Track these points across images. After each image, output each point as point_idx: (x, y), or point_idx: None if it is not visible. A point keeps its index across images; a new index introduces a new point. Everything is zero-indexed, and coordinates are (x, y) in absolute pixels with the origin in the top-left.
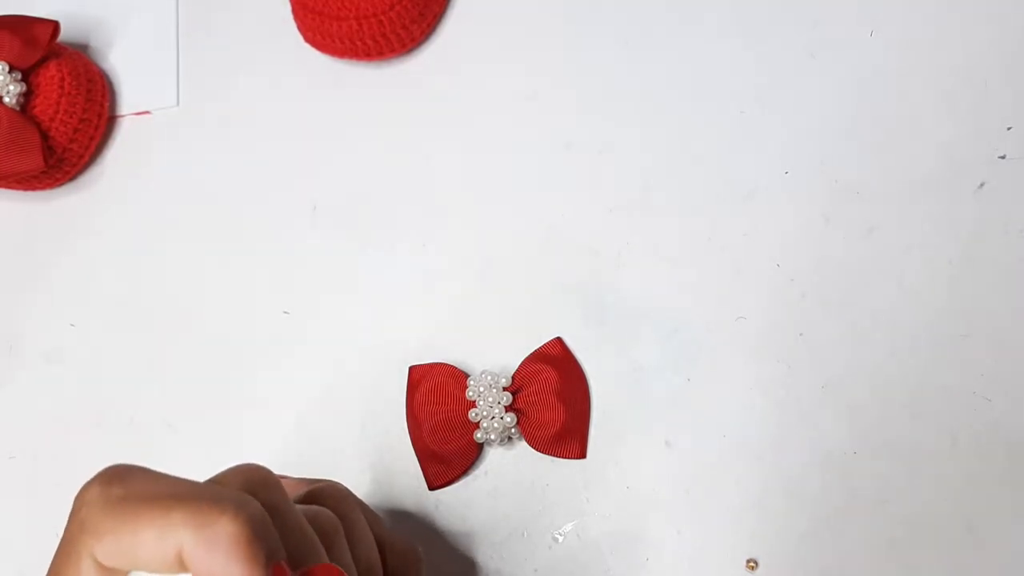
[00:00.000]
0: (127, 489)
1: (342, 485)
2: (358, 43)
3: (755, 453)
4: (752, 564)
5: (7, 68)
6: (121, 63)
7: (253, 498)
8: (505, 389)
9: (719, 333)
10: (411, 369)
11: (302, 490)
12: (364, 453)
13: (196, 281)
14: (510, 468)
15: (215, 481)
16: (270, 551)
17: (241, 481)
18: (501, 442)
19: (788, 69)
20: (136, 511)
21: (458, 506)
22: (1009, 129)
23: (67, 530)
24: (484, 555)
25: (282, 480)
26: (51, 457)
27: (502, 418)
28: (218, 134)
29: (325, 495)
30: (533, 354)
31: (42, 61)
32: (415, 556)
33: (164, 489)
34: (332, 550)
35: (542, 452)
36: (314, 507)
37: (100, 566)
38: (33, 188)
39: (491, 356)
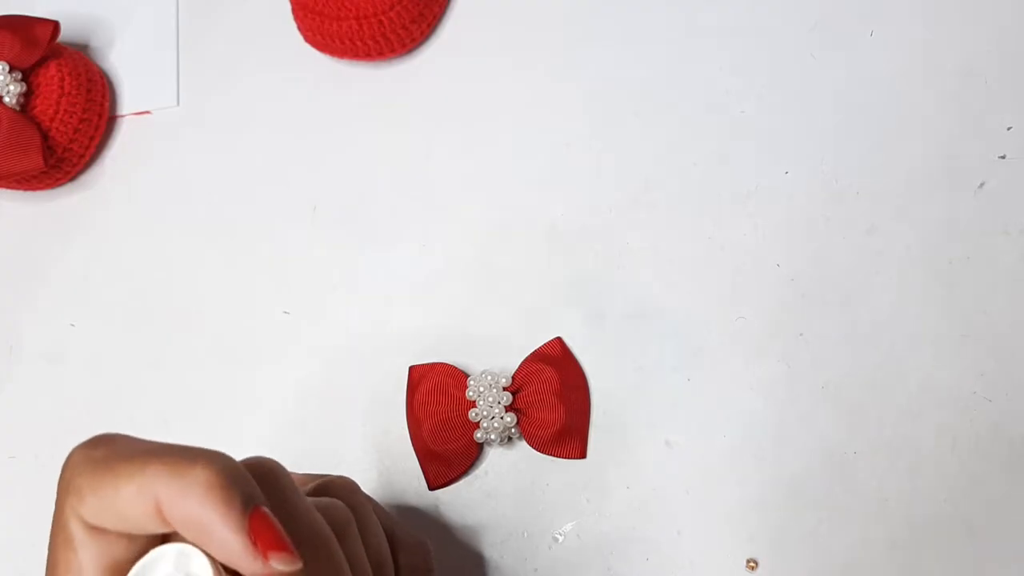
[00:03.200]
0: (109, 450)
1: (351, 479)
2: (358, 43)
3: (755, 453)
4: (752, 564)
5: (7, 68)
6: (121, 63)
7: (228, 455)
8: (505, 389)
9: (719, 333)
10: (411, 369)
11: (310, 484)
12: (364, 453)
13: (196, 281)
14: (510, 468)
15: None
16: (246, 496)
17: (251, 472)
18: (501, 442)
19: (788, 69)
20: (115, 468)
21: (458, 506)
22: (1009, 129)
23: (56, 496)
24: (484, 555)
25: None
26: (51, 457)
27: (502, 418)
28: (218, 134)
29: (336, 487)
30: (533, 354)
31: (42, 61)
32: (424, 549)
33: (143, 448)
34: (344, 541)
35: (542, 452)
36: (325, 499)
37: (87, 526)
38: (33, 188)
39: (491, 356)
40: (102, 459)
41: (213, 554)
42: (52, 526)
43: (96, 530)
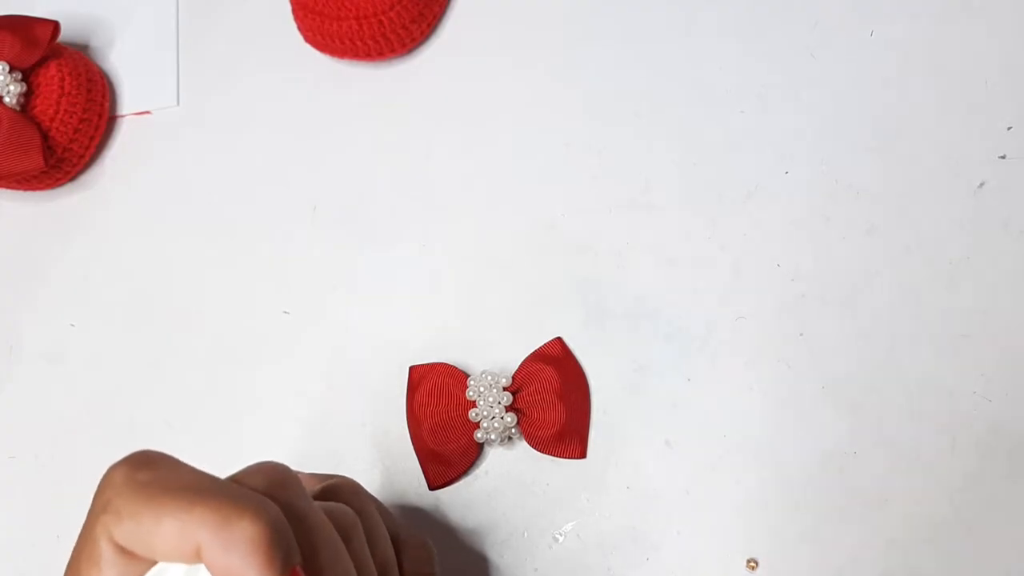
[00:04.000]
0: (153, 476)
1: (355, 481)
2: (358, 43)
3: (755, 453)
4: (752, 564)
5: (7, 68)
6: (121, 63)
7: (272, 502)
8: (505, 389)
9: (719, 333)
10: (411, 369)
11: (315, 485)
12: (364, 453)
13: (196, 281)
14: (510, 468)
15: (235, 479)
16: (287, 555)
17: (262, 479)
18: (501, 442)
19: (788, 69)
20: (160, 500)
21: (458, 506)
22: (1009, 129)
23: (91, 509)
24: (484, 555)
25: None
26: (51, 457)
27: (502, 418)
28: (218, 134)
29: (341, 490)
30: (533, 354)
31: (42, 61)
32: (427, 550)
33: (189, 482)
34: (351, 545)
35: (542, 452)
36: (331, 503)
37: (117, 547)
38: (33, 188)
39: (491, 356)
40: (145, 485)
41: None
42: (80, 537)
43: (125, 552)
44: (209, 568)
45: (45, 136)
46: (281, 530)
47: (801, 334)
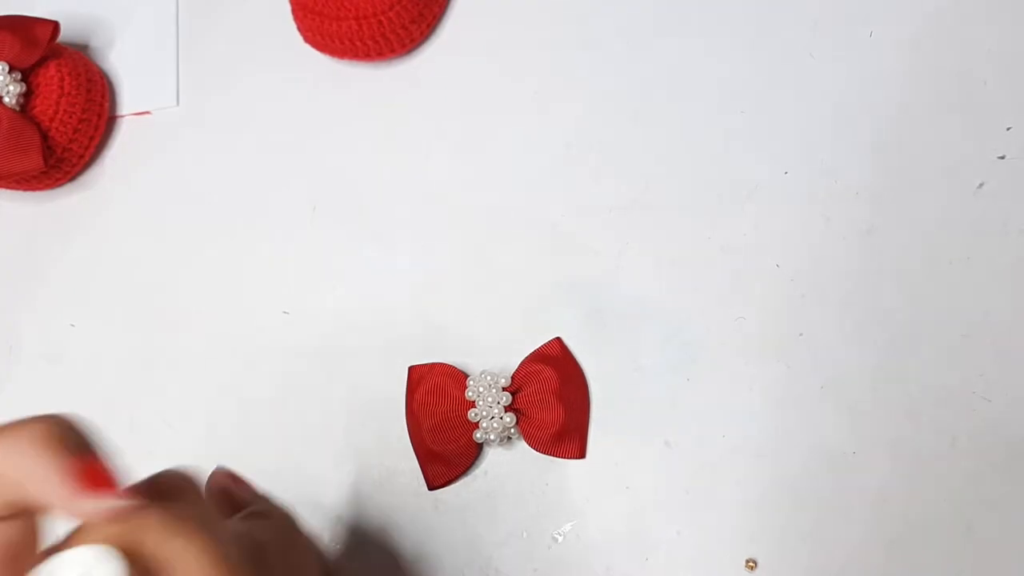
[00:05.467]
0: None
1: (182, 471)
2: (358, 43)
3: (755, 453)
4: (752, 564)
5: (7, 68)
6: (121, 63)
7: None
8: (505, 389)
9: (719, 333)
10: (411, 369)
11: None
12: (364, 453)
13: (196, 281)
14: (510, 468)
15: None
16: (80, 444)
17: (160, 484)
18: (501, 442)
19: (788, 69)
20: None
21: (458, 506)
22: (1009, 129)
23: None
24: (484, 555)
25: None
26: None
27: (502, 418)
28: (218, 134)
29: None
30: (533, 354)
31: (42, 61)
32: (282, 514)
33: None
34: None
35: (542, 452)
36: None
37: None
38: (33, 188)
39: (491, 356)
40: None
41: (43, 501)
42: None
43: None
44: (4, 483)
45: (45, 136)
46: (69, 427)
47: (801, 334)
